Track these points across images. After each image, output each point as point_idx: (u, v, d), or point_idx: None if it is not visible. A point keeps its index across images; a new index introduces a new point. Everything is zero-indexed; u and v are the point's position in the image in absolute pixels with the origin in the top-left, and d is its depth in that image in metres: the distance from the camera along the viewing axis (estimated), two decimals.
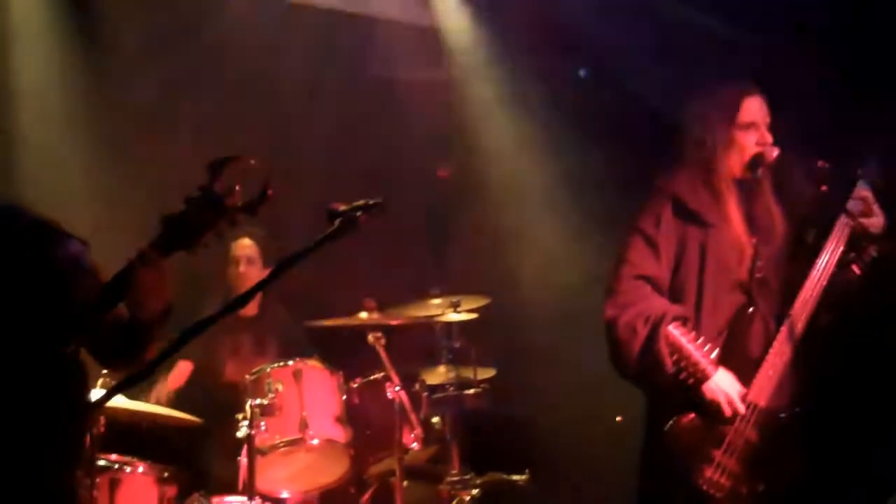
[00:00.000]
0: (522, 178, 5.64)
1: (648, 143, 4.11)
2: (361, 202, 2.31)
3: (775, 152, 3.37)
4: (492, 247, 5.62)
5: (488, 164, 5.73)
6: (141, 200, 4.62)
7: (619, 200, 3.97)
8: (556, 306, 5.26)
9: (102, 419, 3.83)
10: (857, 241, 3.35)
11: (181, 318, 2.54)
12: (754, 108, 3.43)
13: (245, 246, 4.94)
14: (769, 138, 3.41)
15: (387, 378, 4.35)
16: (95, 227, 3.35)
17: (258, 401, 4.05)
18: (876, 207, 3.35)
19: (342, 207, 2.32)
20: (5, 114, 4.92)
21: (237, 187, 2.49)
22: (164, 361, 2.31)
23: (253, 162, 2.49)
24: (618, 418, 4.93)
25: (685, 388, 3.27)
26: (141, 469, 3.94)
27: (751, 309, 3.36)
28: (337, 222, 2.28)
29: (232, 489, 4.05)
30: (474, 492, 4.40)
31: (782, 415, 3.30)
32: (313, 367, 4.30)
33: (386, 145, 5.61)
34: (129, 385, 2.40)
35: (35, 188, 4.67)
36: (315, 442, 4.14)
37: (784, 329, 3.30)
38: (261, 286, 2.41)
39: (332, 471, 4.27)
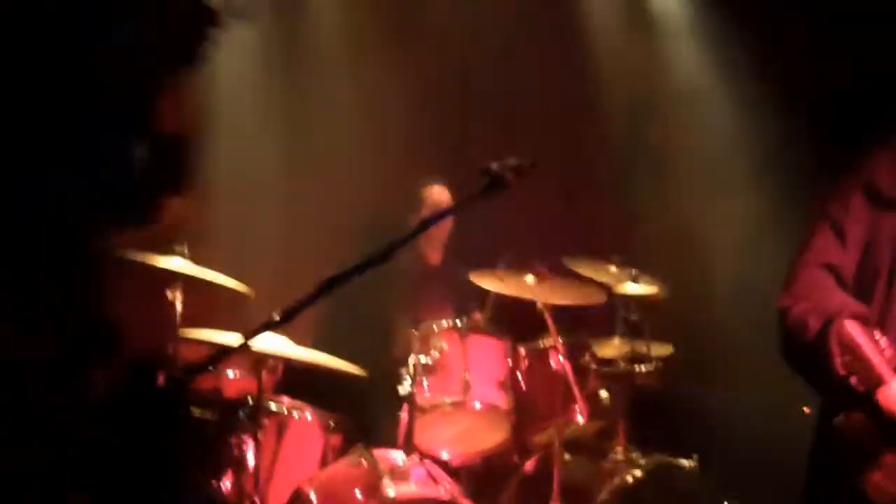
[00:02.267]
0: (718, 154, 5.38)
1: (855, 114, 3.80)
2: (513, 161, 2.25)
3: None
4: (679, 221, 5.41)
5: (683, 137, 5.50)
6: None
7: (820, 184, 3.70)
8: (742, 288, 5.02)
9: (279, 364, 3.95)
10: None
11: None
12: None
13: (437, 192, 4.94)
14: None
15: (553, 347, 4.26)
16: None
17: (423, 358, 4.06)
18: None
19: (494, 166, 2.27)
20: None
21: None
22: (324, 296, 2.27)
23: None
24: (805, 409, 4.65)
25: (856, 394, 3.01)
26: (309, 416, 4.05)
27: None
28: (485, 181, 2.24)
29: (393, 444, 4.07)
30: (638, 472, 4.23)
31: None
32: (480, 329, 4.28)
33: (580, 103, 5.48)
34: (285, 321, 2.39)
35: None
36: (477, 405, 4.13)
37: None
38: (410, 237, 2.38)
39: (493, 436, 4.25)
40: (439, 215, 2.24)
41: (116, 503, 2.45)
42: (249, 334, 2.32)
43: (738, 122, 5.29)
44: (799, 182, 4.60)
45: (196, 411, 3.90)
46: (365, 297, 4.67)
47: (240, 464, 3.85)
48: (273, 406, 3.99)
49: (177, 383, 2.50)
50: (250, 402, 3.91)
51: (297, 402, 4.09)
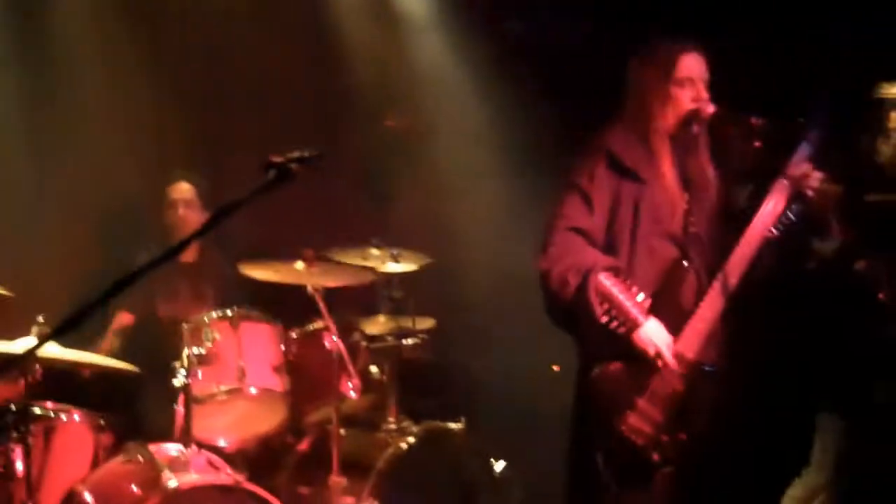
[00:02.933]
0: (466, 133, 5.63)
1: (592, 99, 4.13)
2: (297, 154, 2.31)
3: (711, 109, 3.42)
4: (433, 200, 5.63)
5: (434, 117, 5.72)
6: None
7: (563, 158, 4.00)
8: (495, 259, 5.31)
9: (38, 367, 3.82)
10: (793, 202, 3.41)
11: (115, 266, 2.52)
12: (691, 65, 3.47)
13: (183, 190, 4.96)
14: (705, 95, 3.45)
15: (325, 328, 4.38)
16: None
17: (196, 349, 4.06)
18: (815, 171, 3.40)
19: (278, 159, 2.32)
20: None
21: None
22: (97, 309, 2.27)
23: None
24: (555, 367, 5.01)
25: (616, 337, 3.34)
26: (76, 417, 3.97)
27: (684, 263, 3.43)
28: (272, 174, 2.28)
29: (169, 437, 4.05)
30: (411, 439, 4.43)
31: (708, 367, 3.38)
32: (251, 317, 4.31)
33: (330, 92, 5.58)
34: (61, 333, 2.39)
35: None
36: (253, 391, 4.18)
37: (716, 284, 3.38)
38: (197, 234, 2.42)
39: (270, 419, 4.32)
40: (232, 206, 2.23)
41: None
42: (40, 342, 2.30)
43: (486, 109, 5.54)
44: (544, 160, 4.92)
45: None
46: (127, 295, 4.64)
47: (8, 472, 3.72)
48: (38, 410, 3.86)
49: None
50: (13, 408, 3.78)
51: (63, 405, 3.98)
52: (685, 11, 4.55)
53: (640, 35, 3.71)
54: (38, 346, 2.38)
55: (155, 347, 4.56)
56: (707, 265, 3.46)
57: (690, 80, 3.45)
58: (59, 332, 2.39)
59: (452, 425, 4.60)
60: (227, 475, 3.77)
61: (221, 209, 2.29)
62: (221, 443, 4.27)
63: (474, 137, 5.58)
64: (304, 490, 4.43)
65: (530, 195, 4.72)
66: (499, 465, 4.54)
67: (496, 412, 4.94)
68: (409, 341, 4.80)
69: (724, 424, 3.41)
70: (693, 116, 3.44)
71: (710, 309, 3.38)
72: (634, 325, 3.34)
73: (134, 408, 4.43)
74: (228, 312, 4.26)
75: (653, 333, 3.34)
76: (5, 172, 5.05)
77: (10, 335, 3.65)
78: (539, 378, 4.96)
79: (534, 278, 3.49)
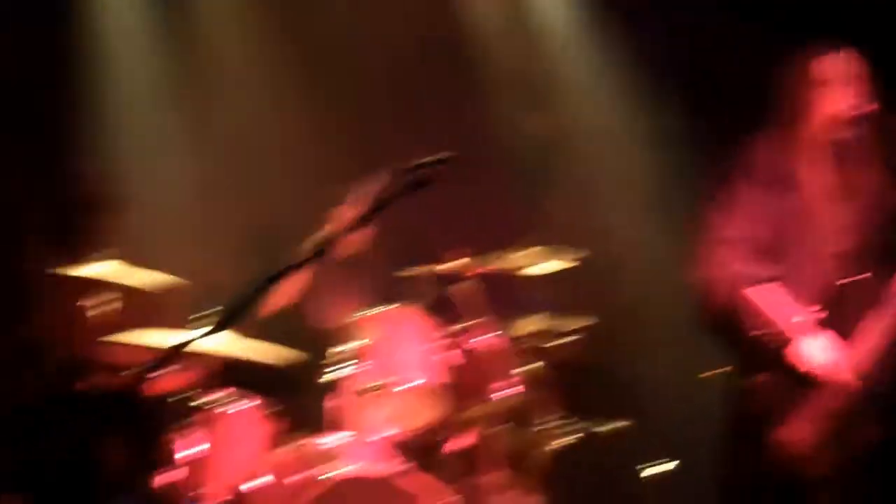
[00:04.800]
0: (621, 132, 5.62)
1: (743, 104, 4.04)
2: (430, 158, 2.37)
3: (867, 110, 3.26)
4: (589, 199, 5.64)
5: (587, 116, 5.72)
6: None
7: (718, 162, 3.92)
8: (650, 260, 5.24)
9: (214, 356, 4.03)
10: None
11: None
12: (836, 66, 3.31)
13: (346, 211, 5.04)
14: (860, 95, 3.30)
15: (482, 326, 4.42)
16: None
17: (353, 343, 4.16)
18: None
19: (414, 163, 2.39)
20: None
21: None
22: (254, 305, 2.39)
23: None
24: (709, 374, 4.89)
25: (767, 352, 3.25)
26: (245, 406, 4.10)
27: (846, 278, 3.29)
28: (406, 179, 2.35)
29: (330, 428, 4.14)
30: (572, 438, 4.44)
31: (869, 386, 3.24)
32: (408, 313, 4.38)
33: (479, 93, 5.64)
34: (228, 324, 2.51)
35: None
36: (410, 385, 4.22)
37: (885, 300, 3.23)
38: (344, 233, 2.51)
39: (426, 414, 4.33)
40: (374, 209, 2.32)
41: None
42: (197, 336, 2.43)
43: (639, 108, 5.50)
44: (700, 160, 4.83)
45: (133, 408, 3.97)
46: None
47: (180, 458, 3.90)
48: (209, 399, 4.03)
49: (111, 385, 2.60)
50: (186, 396, 3.99)
51: (233, 394, 4.14)
52: (835, 10, 4.37)
53: (785, 38, 3.60)
54: (205, 336, 2.52)
55: (316, 341, 4.70)
56: (873, 280, 3.30)
57: (839, 82, 3.30)
58: (227, 323, 2.52)
59: (614, 426, 4.57)
60: (389, 467, 3.85)
61: (366, 213, 2.38)
62: (381, 435, 4.37)
63: (628, 136, 5.53)
64: (466, 481, 4.48)
65: (686, 194, 4.64)
66: (659, 469, 4.48)
67: (653, 416, 4.87)
68: (567, 340, 4.82)
69: (884, 445, 3.25)
70: (847, 120, 3.29)
71: (876, 326, 3.23)
72: (787, 340, 3.23)
73: (301, 398, 4.58)
74: (385, 308, 4.34)
75: (808, 350, 3.23)
76: (170, 173, 5.31)
77: (186, 325, 3.87)
78: (696, 383, 4.85)
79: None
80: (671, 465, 4.53)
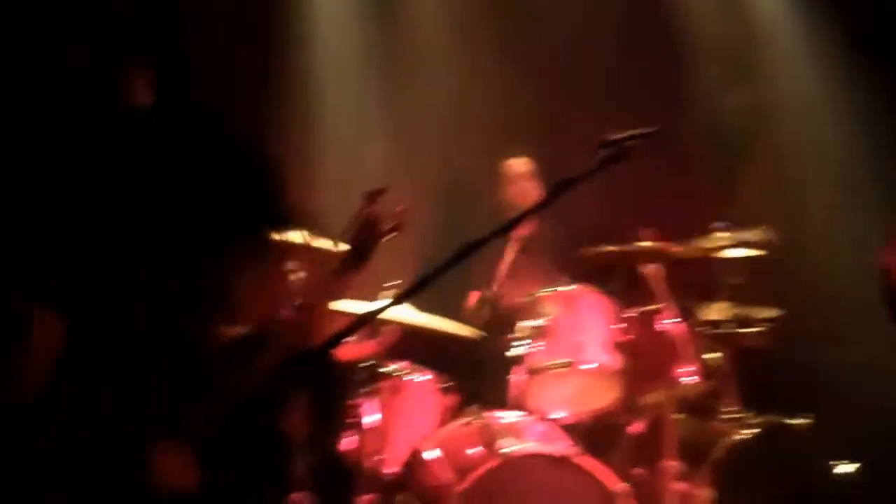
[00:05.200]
0: (818, 113, 5.37)
1: None
2: (634, 131, 2.30)
3: None
4: (784, 183, 5.40)
5: (786, 92, 5.51)
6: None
7: None
8: (849, 249, 4.98)
9: (393, 328, 4.09)
10: None
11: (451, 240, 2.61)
12: None
13: (521, 164, 5.06)
14: None
15: (663, 310, 4.33)
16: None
17: (533, 322, 4.15)
18: None
19: (614, 136, 2.32)
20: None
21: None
22: (439, 278, 2.38)
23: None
24: None
25: None
26: (424, 378, 4.19)
27: None
28: (608, 151, 2.29)
29: (504, 406, 4.16)
30: (750, 431, 4.28)
31: None
32: (589, 293, 4.34)
33: (672, 70, 5.49)
34: (409, 297, 2.53)
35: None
36: (588, 366, 4.20)
37: None
38: (536, 209, 2.47)
39: (604, 396, 4.31)
40: (567, 183, 2.27)
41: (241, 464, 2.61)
42: (391, 302, 2.46)
43: (840, 89, 5.26)
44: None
45: (321, 373, 4.06)
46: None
47: (360, 424, 4.01)
48: (390, 369, 4.13)
49: (307, 352, 2.65)
50: (368, 365, 4.07)
51: (413, 365, 4.23)
52: None
53: None
54: (387, 308, 2.54)
55: (495, 319, 4.70)
56: None
57: None
58: (408, 296, 2.53)
59: (795, 421, 4.39)
60: (561, 446, 3.82)
61: (559, 185, 2.33)
62: (555, 415, 4.33)
63: (827, 118, 5.29)
64: (636, 471, 4.40)
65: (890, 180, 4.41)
66: (844, 468, 4.29)
67: (843, 412, 4.61)
68: (751, 329, 4.64)
69: None
70: None
71: None
72: None
73: (476, 374, 4.60)
74: (566, 287, 4.32)
75: None
76: (362, 150, 5.40)
77: (368, 298, 3.94)
78: (892, 379, 4.60)
79: None
80: (853, 468, 4.29)
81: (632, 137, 2.30)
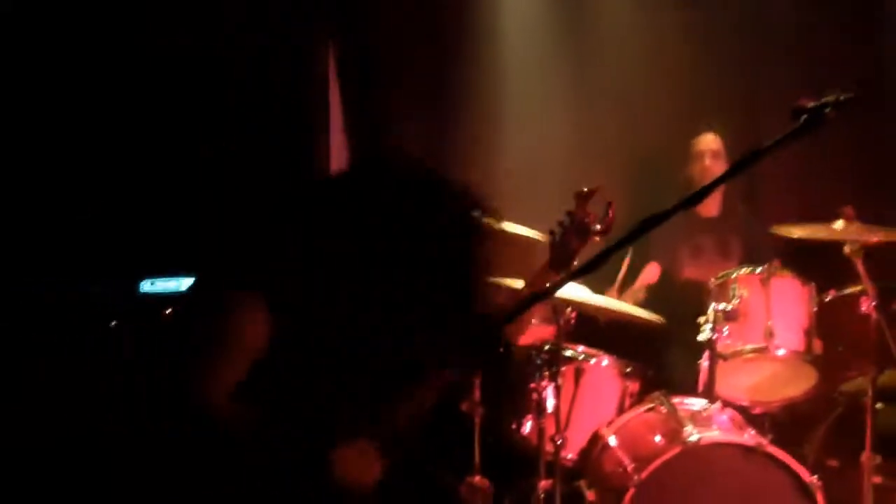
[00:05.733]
0: None
1: None
2: (832, 97, 2.11)
3: None
4: None
5: None
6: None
7: None
8: None
9: (572, 311, 4.01)
10: None
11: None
12: None
13: (709, 140, 4.90)
14: None
15: (863, 293, 4.03)
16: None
17: (722, 305, 4.00)
18: None
19: (809, 104, 2.15)
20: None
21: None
22: (615, 253, 2.28)
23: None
24: None
25: None
26: (605, 362, 4.09)
27: None
28: (802, 119, 2.12)
29: (692, 392, 4.05)
30: None
31: None
32: (783, 276, 4.14)
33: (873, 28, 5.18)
34: (582, 274, 2.43)
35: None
36: (780, 352, 4.03)
37: None
38: (718, 182, 2.34)
39: (798, 384, 4.13)
40: (756, 154, 2.12)
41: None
42: (564, 279, 2.38)
43: None
44: None
45: (501, 356, 4.03)
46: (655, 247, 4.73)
47: (540, 408, 3.94)
48: (569, 353, 4.06)
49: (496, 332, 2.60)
50: (548, 348, 4.00)
51: (593, 349, 4.14)
52: None
53: None
54: (563, 284, 2.44)
55: (680, 301, 4.56)
56: None
57: None
58: (581, 273, 2.43)
59: None
60: (750, 436, 3.67)
61: (745, 157, 2.18)
62: (745, 403, 4.18)
63: None
64: (832, 462, 4.18)
65: None
66: None
67: None
68: None
69: None
70: None
71: None
72: None
73: (659, 359, 4.47)
74: (758, 269, 4.13)
75: None
76: (548, 128, 5.34)
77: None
78: None
79: None
80: None
81: (828, 104, 2.11)
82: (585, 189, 3.18)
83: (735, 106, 5.21)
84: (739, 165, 2.20)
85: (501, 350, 2.85)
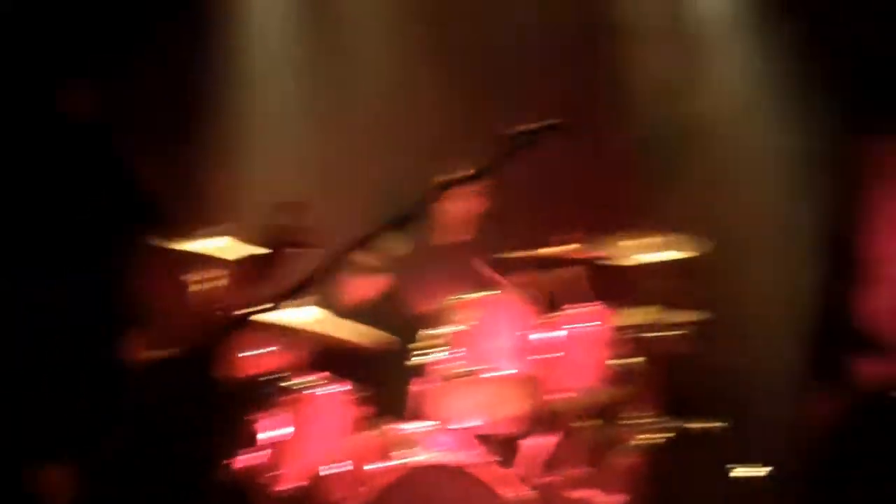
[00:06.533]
0: (751, 122, 5.44)
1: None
2: (537, 123, 2.27)
3: None
4: (710, 189, 5.44)
5: (716, 105, 5.56)
6: None
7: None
8: (771, 255, 5.00)
9: (304, 338, 3.97)
10: None
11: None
12: None
13: (457, 179, 4.94)
14: None
15: (585, 313, 4.26)
16: None
17: (444, 329, 4.06)
18: None
19: (521, 128, 2.30)
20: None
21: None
22: (327, 276, 2.28)
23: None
24: None
25: None
26: (333, 389, 4.07)
27: None
28: (513, 143, 2.25)
29: (416, 415, 4.08)
30: (667, 436, 4.27)
31: None
32: (506, 298, 4.26)
33: (606, 79, 5.51)
34: (288, 297, 2.40)
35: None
36: (502, 373, 4.12)
37: None
38: (428, 200, 2.42)
39: (516, 404, 4.23)
40: (471, 177, 2.26)
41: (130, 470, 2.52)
42: (275, 300, 2.35)
43: (772, 98, 5.34)
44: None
45: (221, 387, 3.93)
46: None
47: (270, 437, 3.89)
48: (298, 380, 4.02)
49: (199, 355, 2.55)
50: (274, 378, 3.94)
51: (322, 376, 4.11)
52: None
53: None
54: (268, 309, 2.40)
55: (404, 325, 4.61)
56: None
57: None
58: (292, 296, 2.40)
59: (713, 425, 4.38)
60: (471, 455, 3.78)
61: (464, 176, 2.29)
62: (470, 423, 4.25)
63: (758, 127, 5.35)
64: (546, 478, 4.33)
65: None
66: (750, 473, 4.36)
67: (763, 416, 4.62)
68: (674, 334, 4.60)
69: None
70: None
71: None
72: None
73: (382, 383, 4.50)
74: (478, 293, 4.22)
75: None
76: (293, 151, 5.31)
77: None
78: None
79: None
80: (763, 471, 4.34)
81: (535, 130, 2.27)
82: (287, 201, 3.15)
83: (480, 138, 5.35)
84: (453, 184, 2.29)
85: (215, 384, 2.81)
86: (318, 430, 3.98)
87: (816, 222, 3.47)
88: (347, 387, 4.07)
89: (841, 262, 3.04)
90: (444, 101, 5.39)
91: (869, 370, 2.98)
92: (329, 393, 4.04)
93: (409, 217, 2.36)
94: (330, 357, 4.23)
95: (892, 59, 4.18)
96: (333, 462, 3.82)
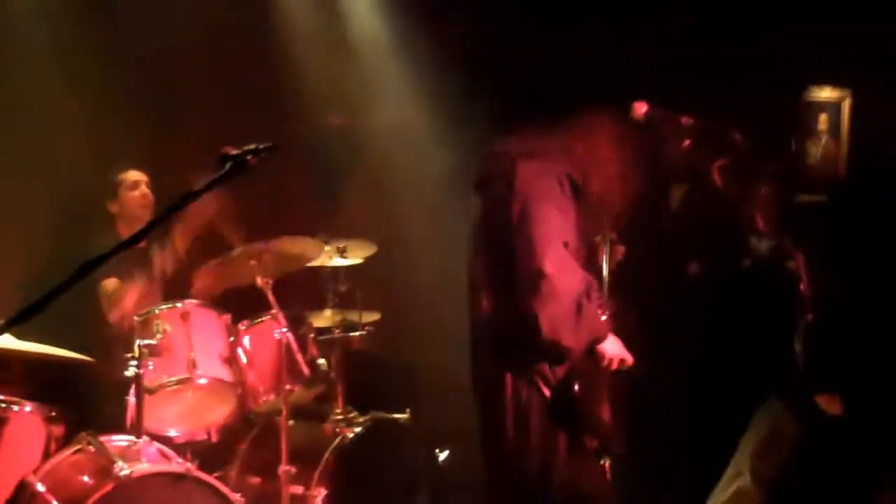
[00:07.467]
0: (413, 132, 5.75)
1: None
2: (252, 146, 2.38)
3: (642, 109, 3.49)
4: (380, 195, 5.77)
5: (381, 113, 5.85)
6: None
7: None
8: (440, 254, 5.39)
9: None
10: None
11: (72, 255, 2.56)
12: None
13: (136, 174, 4.88)
14: None
15: (274, 320, 4.46)
16: None
17: (146, 341, 4.08)
18: None
19: (233, 151, 2.39)
20: None
21: None
22: (55, 299, 2.31)
23: None
24: None
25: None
26: (27, 409, 3.93)
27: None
28: (227, 166, 2.36)
29: (120, 428, 4.07)
30: (357, 429, 4.55)
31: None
32: (201, 309, 4.36)
33: (278, 89, 5.64)
34: (14, 325, 2.38)
35: None
36: (202, 381, 4.22)
37: None
38: (158, 221, 2.50)
39: (219, 410, 4.38)
40: (187, 197, 2.31)
41: None
42: None
43: (431, 109, 5.66)
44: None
45: None
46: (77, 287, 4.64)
47: None
48: None
49: None
50: None
51: (13, 397, 3.98)
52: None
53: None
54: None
55: (109, 338, 4.57)
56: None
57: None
58: (12, 324, 2.39)
59: (398, 416, 4.72)
60: (177, 464, 3.81)
61: (183, 198, 2.36)
62: (172, 433, 4.32)
63: (420, 136, 5.69)
64: (253, 479, 4.51)
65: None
66: (442, 455, 4.67)
67: (440, 403, 5.03)
68: (356, 334, 4.95)
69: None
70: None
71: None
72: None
73: (86, 399, 4.43)
74: (178, 304, 4.30)
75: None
76: None
77: None
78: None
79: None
80: (443, 455, 4.71)
81: (250, 152, 2.38)
82: None
83: (156, 141, 5.30)
84: (176, 206, 2.38)
85: None
86: (14, 451, 3.85)
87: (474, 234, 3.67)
88: (45, 406, 3.99)
89: (507, 273, 3.39)
90: (111, 104, 5.26)
91: (547, 371, 3.42)
92: (23, 413, 3.89)
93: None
94: (30, 377, 4.13)
95: (526, 80, 4.63)
96: (36, 481, 3.71)
